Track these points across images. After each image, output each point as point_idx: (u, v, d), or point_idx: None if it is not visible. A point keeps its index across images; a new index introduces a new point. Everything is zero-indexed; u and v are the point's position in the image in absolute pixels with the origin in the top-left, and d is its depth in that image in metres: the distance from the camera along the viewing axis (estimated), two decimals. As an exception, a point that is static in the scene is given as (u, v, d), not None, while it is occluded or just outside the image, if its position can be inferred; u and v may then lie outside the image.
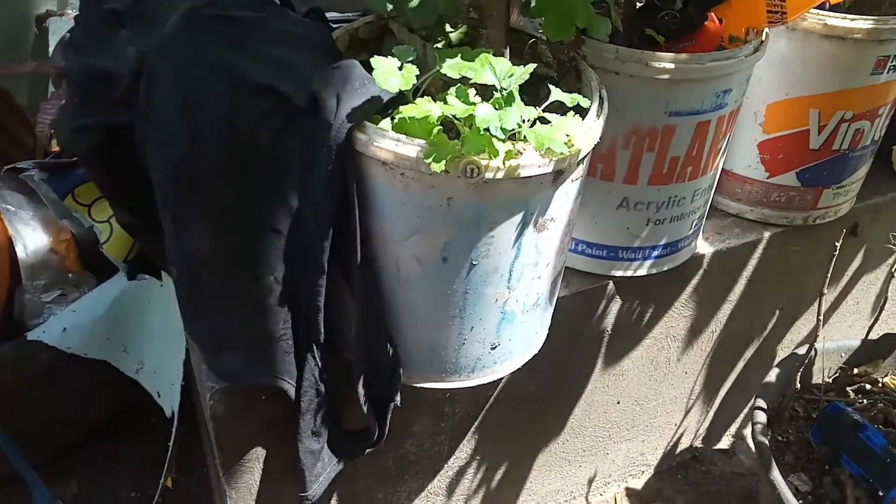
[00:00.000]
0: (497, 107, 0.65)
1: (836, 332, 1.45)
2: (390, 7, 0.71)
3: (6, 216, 1.19)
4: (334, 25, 0.94)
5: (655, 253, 1.03)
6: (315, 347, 0.81)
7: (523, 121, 0.68)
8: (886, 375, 1.23)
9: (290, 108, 0.70)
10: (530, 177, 0.69)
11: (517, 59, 0.86)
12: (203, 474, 1.32)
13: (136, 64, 0.73)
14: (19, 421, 1.23)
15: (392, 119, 0.70)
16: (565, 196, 0.76)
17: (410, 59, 0.69)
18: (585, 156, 0.75)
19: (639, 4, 0.96)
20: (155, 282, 1.12)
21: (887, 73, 1.03)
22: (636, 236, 1.00)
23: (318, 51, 0.75)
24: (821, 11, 0.98)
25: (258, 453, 0.93)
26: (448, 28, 0.83)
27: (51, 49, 1.12)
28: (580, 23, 0.72)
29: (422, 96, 0.71)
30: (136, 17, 0.81)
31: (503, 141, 0.66)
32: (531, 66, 0.67)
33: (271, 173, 0.73)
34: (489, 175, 0.67)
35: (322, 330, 0.79)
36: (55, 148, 1.22)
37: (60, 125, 0.94)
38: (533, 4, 0.71)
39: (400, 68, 0.68)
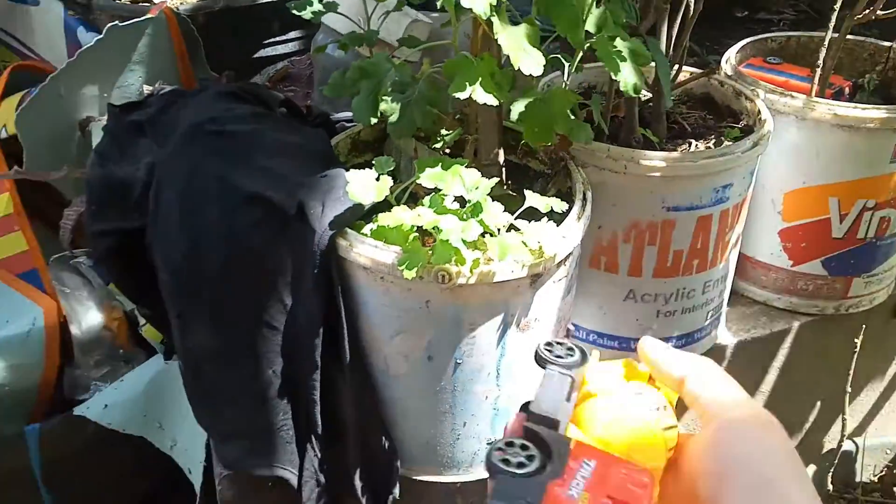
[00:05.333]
0: (464, 218, 0.67)
1: (893, 423, 1.36)
2: (373, 120, 0.75)
3: (62, 297, 1.29)
4: (348, 124, 1.01)
5: (670, 344, 1.01)
6: (314, 439, 0.83)
7: (497, 229, 0.70)
8: (939, 475, 1.15)
9: (281, 215, 0.75)
10: (505, 281, 0.71)
11: (510, 156, 0.89)
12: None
13: (147, 174, 0.80)
14: (67, 491, 1.30)
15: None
16: (548, 297, 0.77)
17: (390, 169, 0.73)
18: (566, 258, 0.76)
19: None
20: (188, 363, 1.18)
21: (911, 160, 1.00)
22: (647, 328, 0.99)
23: (310, 159, 0.80)
24: (830, 101, 0.96)
25: (266, 539, 0.95)
26: (444, 130, 0.87)
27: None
28: (559, 129, 0.75)
29: (407, 201, 0.75)
30: (156, 126, 0.89)
31: (471, 249, 0.68)
32: (494, 180, 0.70)
33: (266, 274, 0.77)
34: (461, 281, 0.69)
35: (319, 422, 0.82)
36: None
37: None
38: (513, 113, 0.74)
39: (378, 178, 0.71)
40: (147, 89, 1.01)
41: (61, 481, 1.27)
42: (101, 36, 1.15)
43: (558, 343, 0.43)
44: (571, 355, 0.43)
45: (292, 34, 1.55)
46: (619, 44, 0.74)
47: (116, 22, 1.16)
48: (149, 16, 1.22)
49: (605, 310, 0.99)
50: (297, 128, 0.86)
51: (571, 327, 1.01)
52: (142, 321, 1.22)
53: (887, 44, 1.13)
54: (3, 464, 1.24)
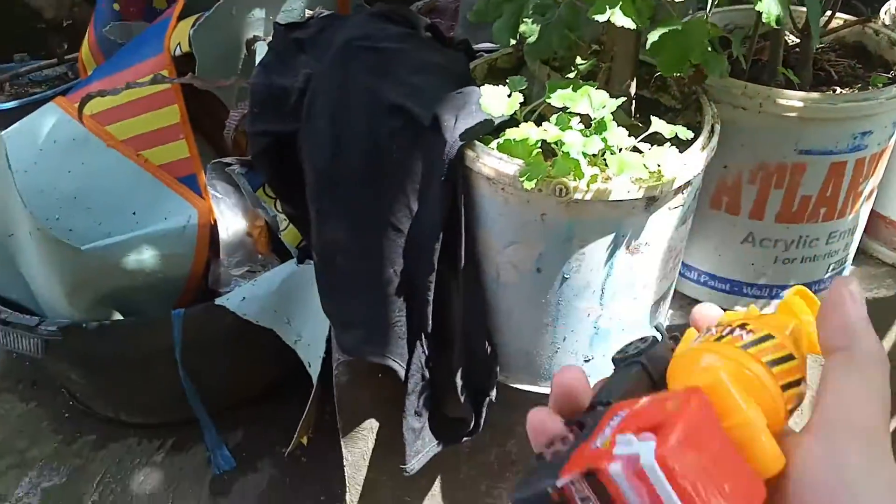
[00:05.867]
0: (587, 134, 0.70)
1: None
2: (512, 42, 0.79)
3: (214, 201, 1.43)
4: (486, 55, 1.05)
5: (785, 293, 1.01)
6: (423, 336, 0.91)
7: (618, 149, 0.73)
8: None
9: (417, 125, 0.81)
10: (620, 201, 0.74)
11: (643, 90, 0.90)
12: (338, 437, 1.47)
13: (303, 83, 0.88)
14: (203, 373, 1.46)
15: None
16: (662, 223, 0.79)
17: (522, 88, 0.76)
18: (684, 186, 0.77)
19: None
20: (318, 267, 1.28)
21: None
22: (762, 273, 0.99)
23: (449, 78, 0.85)
24: None
25: (372, 424, 1.05)
26: (578, 60, 0.89)
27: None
28: (694, 59, 0.75)
29: (534, 121, 0.79)
30: (315, 44, 0.96)
31: (591, 165, 0.71)
32: (621, 99, 0.72)
33: (398, 179, 0.84)
34: (578, 196, 0.72)
35: (430, 321, 0.89)
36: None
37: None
38: (649, 41, 0.75)
39: (510, 96, 0.76)
40: (308, 13, 1.09)
41: (198, 362, 1.43)
42: (270, -37, 1.25)
43: (636, 340, 0.38)
44: (643, 343, 0.37)
45: (442, -31, 1.59)
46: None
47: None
48: (312, -53, 1.30)
49: (720, 251, 0.99)
50: (440, 50, 0.92)
51: (683, 268, 1.03)
52: (282, 226, 1.34)
53: None
54: (151, 341, 1.41)
